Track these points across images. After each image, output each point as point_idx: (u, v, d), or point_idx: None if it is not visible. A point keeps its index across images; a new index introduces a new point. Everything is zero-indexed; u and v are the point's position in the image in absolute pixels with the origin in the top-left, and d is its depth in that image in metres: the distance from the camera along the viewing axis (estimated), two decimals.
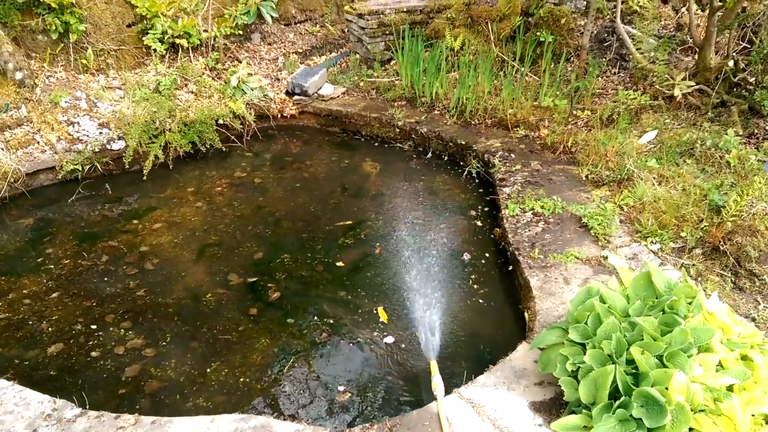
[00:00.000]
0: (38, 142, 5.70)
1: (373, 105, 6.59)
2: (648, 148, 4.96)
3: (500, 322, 3.74)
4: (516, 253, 3.90)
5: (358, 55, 7.49)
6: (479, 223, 4.81)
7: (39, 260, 4.55)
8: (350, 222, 4.91)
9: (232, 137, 6.32)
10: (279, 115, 6.73)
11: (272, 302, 4.03)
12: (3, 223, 5.17)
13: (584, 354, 2.48)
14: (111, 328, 3.85)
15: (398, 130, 6.14)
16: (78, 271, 4.42)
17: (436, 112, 6.34)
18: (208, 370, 3.47)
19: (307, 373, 3.42)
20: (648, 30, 6.31)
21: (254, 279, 4.27)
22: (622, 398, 2.26)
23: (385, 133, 6.26)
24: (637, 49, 5.96)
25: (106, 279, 4.33)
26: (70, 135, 5.69)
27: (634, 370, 2.37)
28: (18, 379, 3.29)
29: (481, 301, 3.91)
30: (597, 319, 2.54)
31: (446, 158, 5.94)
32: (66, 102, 5.88)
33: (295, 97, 6.74)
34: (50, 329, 3.85)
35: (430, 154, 6.02)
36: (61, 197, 5.45)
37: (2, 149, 5.42)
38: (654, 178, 4.44)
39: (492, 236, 4.58)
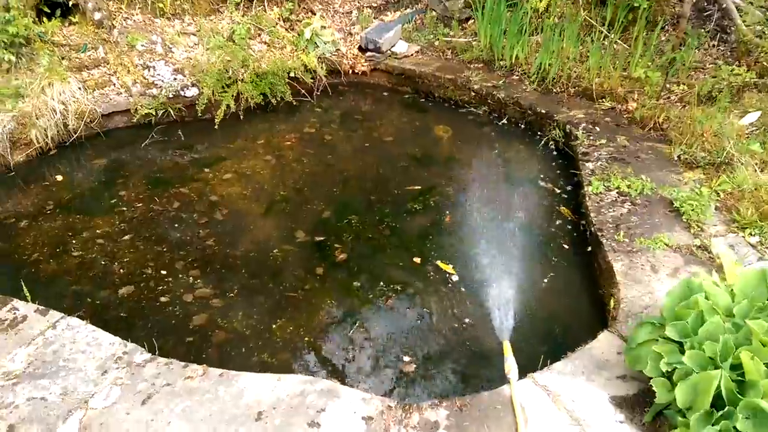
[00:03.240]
0: (114, 84, 5.75)
1: (448, 66, 6.31)
2: (750, 130, 4.54)
3: (577, 306, 3.55)
4: (598, 234, 3.66)
5: (434, 13, 7.18)
6: (556, 199, 4.56)
7: (112, 202, 4.62)
8: (419, 187, 4.75)
9: (303, 91, 6.20)
10: (350, 71, 6.56)
11: (338, 263, 3.96)
12: (79, 162, 5.28)
13: (681, 354, 2.28)
14: (180, 275, 3.87)
15: (473, 94, 5.87)
16: (150, 215, 4.47)
17: (514, 77, 6.02)
18: (274, 326, 3.44)
19: (372, 339, 3.35)
20: (756, 0, 5.74)
21: (321, 238, 4.20)
22: (726, 408, 2.06)
23: (459, 96, 6.00)
24: (742, 21, 5.43)
25: (176, 226, 4.35)
26: (145, 79, 5.71)
27: (739, 377, 2.16)
28: (90, 319, 3.35)
29: (556, 281, 3.72)
30: (700, 317, 2.33)
31: (523, 126, 5.65)
32: (142, 45, 5.88)
33: (368, 54, 6.54)
34: (121, 271, 3.91)
35: (505, 121, 5.75)
36: (134, 140, 5.50)
37: (79, 89, 5.48)
38: (756, 163, 4.07)
39: (570, 213, 4.34)
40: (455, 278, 3.76)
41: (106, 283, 3.81)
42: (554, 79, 5.67)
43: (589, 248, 3.87)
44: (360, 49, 6.64)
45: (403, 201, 4.59)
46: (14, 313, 3.20)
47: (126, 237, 4.23)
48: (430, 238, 4.18)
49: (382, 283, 3.76)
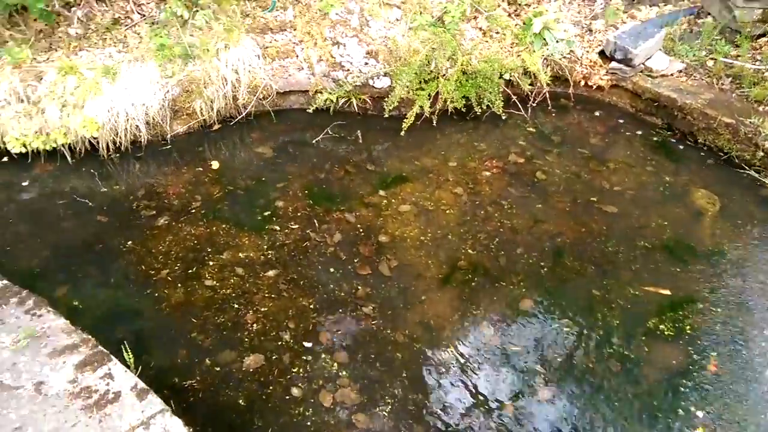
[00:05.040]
0: (297, 56, 4.82)
1: (724, 100, 4.54)
2: None
3: None
4: None
5: (710, 18, 5.31)
6: None
7: (265, 214, 3.74)
8: (668, 292, 3.28)
9: (514, 98, 4.82)
10: (582, 83, 5.02)
11: (541, 402, 2.71)
12: (243, 143, 4.49)
13: None
14: (323, 356, 2.88)
15: (762, 154, 4.10)
16: (303, 246, 3.51)
17: None
18: None
19: None
20: None
21: (515, 347, 2.96)
22: None
23: (737, 150, 4.26)
24: None
25: (332, 270, 3.36)
26: (332, 57, 4.70)
27: None
28: (200, 398, 2.50)
29: None
30: None
31: None
32: (337, 14, 4.85)
33: (612, 64, 4.94)
34: (254, 326, 3.01)
35: None
36: (306, 130, 4.59)
37: (258, 56, 4.61)
38: None
39: None
40: None
41: (233, 341, 2.93)
42: None
43: None
44: (602, 55, 5.05)
45: (642, 312, 3.16)
46: (107, 384, 2.41)
47: (270, 273, 3.32)
48: (685, 398, 2.75)
49: None
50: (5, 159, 4.08)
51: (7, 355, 2.47)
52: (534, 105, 4.90)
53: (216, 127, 4.56)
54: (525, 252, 3.54)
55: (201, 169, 4.13)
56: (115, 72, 4.13)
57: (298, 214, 3.78)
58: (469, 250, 3.54)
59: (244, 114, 4.58)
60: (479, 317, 3.12)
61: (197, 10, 4.42)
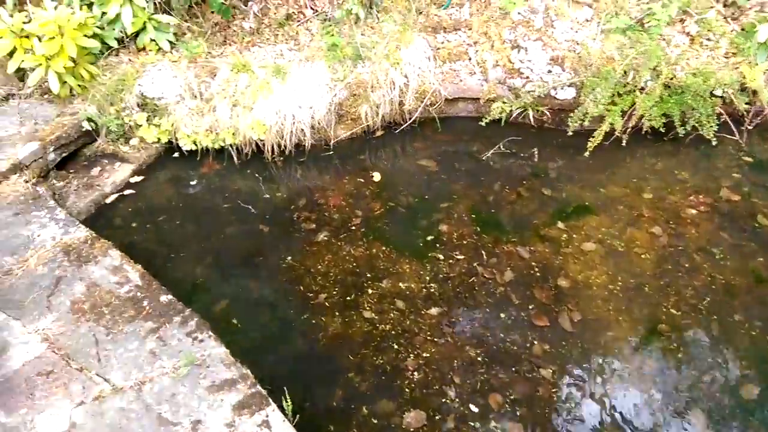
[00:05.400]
0: (470, 59, 4.39)
1: None
2: None
3: None
4: None
5: None
6: None
7: (429, 238, 3.40)
8: None
9: (725, 117, 4.01)
10: None
11: None
12: (406, 153, 4.19)
13: None
14: (493, 425, 2.47)
15: None
16: (469, 281, 3.12)
17: None
18: None
19: None
20: None
21: None
22: None
23: None
24: None
25: (502, 316, 2.94)
26: (510, 62, 4.21)
27: None
28: None
29: None
30: None
31: None
32: (519, 14, 4.34)
33: None
34: (416, 375, 2.69)
35: None
36: (474, 142, 4.19)
37: (428, 58, 4.25)
38: None
39: None
40: None
41: (392, 390, 2.64)
42: None
43: None
44: None
45: None
46: None
47: (433, 310, 2.98)
48: None
49: None
50: (176, 155, 4.11)
51: (167, 383, 2.35)
52: (751, 128, 4.05)
53: (379, 133, 4.30)
54: (745, 321, 2.86)
55: (362, 180, 3.88)
56: (286, 72, 3.99)
57: (464, 242, 3.39)
58: (672, 310, 2.93)
59: (409, 121, 4.25)
60: (687, 402, 2.53)
61: (372, 9, 4.13)
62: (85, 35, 3.79)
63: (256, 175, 3.95)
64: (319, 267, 3.25)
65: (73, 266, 2.92)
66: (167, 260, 3.30)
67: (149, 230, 3.52)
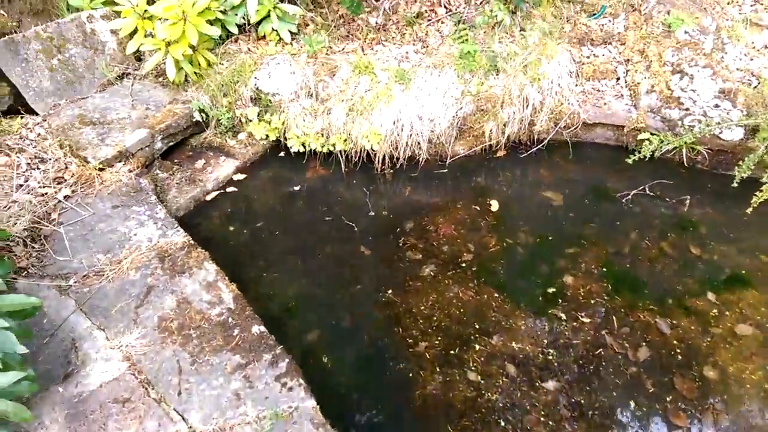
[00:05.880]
0: (617, 80, 3.82)
1: None
2: None
3: None
4: None
5: None
6: None
7: (550, 290, 2.96)
8: None
9: None
10: None
11: None
12: (529, 181, 3.74)
13: None
14: None
15: None
16: (596, 353, 2.67)
17: None
18: None
19: None
20: None
21: None
22: None
23: None
24: None
25: (632, 405, 2.48)
26: (668, 90, 3.60)
27: None
28: None
29: None
30: None
31: None
32: (685, 34, 3.69)
33: None
34: None
35: None
36: (608, 176, 3.66)
37: (571, 74, 3.73)
38: None
39: None
40: None
41: None
42: None
43: None
44: None
45: None
46: None
47: (550, 384, 2.56)
48: None
49: None
50: (282, 154, 3.88)
51: None
52: None
53: (500, 153, 3.85)
54: None
55: (477, 208, 3.47)
56: (410, 78, 3.61)
57: (591, 301, 2.91)
58: None
59: (538, 145, 3.77)
60: None
61: (516, 14, 3.66)
62: (208, 20, 3.60)
63: (363, 187, 3.65)
64: (422, 308, 2.90)
65: (166, 275, 2.75)
66: (261, 274, 3.09)
67: (245, 237, 3.32)
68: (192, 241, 2.94)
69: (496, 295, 2.96)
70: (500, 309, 2.89)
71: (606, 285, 2.99)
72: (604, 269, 3.08)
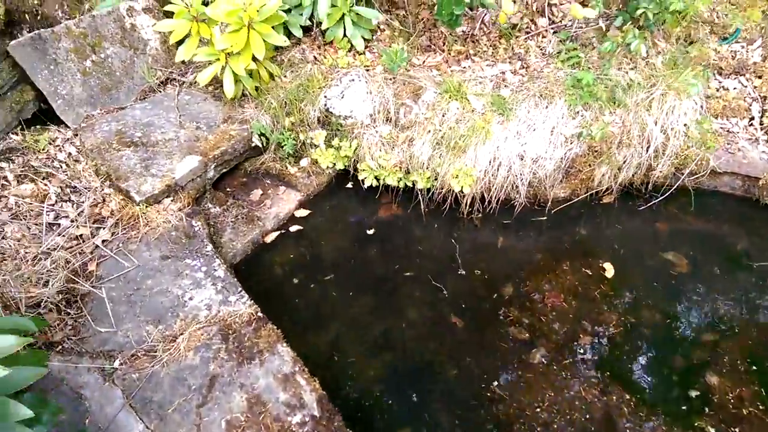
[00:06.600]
0: (751, 119, 3.22)
1: None
2: None
3: None
4: None
5: None
6: None
7: (691, 394, 2.43)
8: None
9: None
10: None
11: None
12: (643, 236, 3.16)
13: None
14: None
15: None
16: None
17: None
18: None
19: None
20: None
21: None
22: None
23: None
24: None
25: None
26: None
27: None
28: None
29: None
30: None
31: None
32: None
33: None
34: None
35: None
36: (740, 233, 3.11)
37: (698, 107, 3.13)
38: None
39: None
40: None
41: None
42: None
43: None
44: None
45: None
46: None
47: None
48: None
49: None
50: (349, 185, 3.31)
51: None
52: None
53: (606, 200, 3.26)
54: None
55: (589, 272, 2.91)
56: (510, 108, 3.01)
57: (744, 411, 2.37)
58: None
59: (661, 197, 3.19)
60: None
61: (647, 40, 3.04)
62: (274, 27, 2.99)
63: (448, 235, 3.09)
64: (537, 409, 2.37)
65: (233, 361, 2.21)
66: (335, 350, 2.54)
67: (314, 294, 2.78)
68: (260, 314, 2.39)
69: (627, 396, 2.42)
70: (635, 416, 2.36)
71: (757, 389, 2.44)
72: (753, 366, 2.53)
